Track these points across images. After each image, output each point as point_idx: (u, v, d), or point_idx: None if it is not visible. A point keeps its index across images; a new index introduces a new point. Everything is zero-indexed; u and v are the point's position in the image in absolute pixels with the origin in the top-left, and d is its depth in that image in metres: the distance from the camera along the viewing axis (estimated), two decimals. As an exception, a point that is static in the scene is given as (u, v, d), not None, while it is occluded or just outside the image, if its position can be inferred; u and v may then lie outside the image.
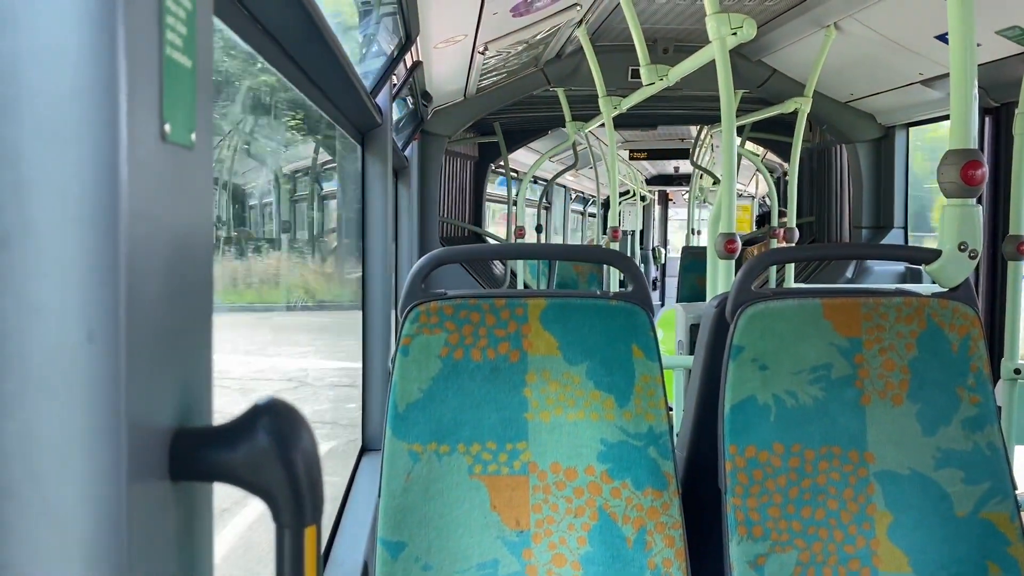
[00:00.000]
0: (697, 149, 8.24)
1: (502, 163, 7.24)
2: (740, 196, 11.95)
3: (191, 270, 0.57)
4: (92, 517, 0.46)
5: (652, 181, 13.85)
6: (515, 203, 6.98)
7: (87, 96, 0.46)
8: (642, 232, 11.12)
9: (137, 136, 0.48)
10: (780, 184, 7.34)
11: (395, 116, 3.44)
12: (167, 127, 0.52)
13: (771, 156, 7.46)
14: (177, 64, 0.54)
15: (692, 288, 6.83)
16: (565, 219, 12.75)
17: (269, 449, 0.55)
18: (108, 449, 0.47)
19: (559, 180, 9.77)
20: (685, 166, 11.50)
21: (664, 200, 16.18)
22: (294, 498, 0.55)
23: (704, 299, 3.90)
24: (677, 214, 16.71)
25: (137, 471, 0.49)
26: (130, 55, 0.47)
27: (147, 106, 0.50)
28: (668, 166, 12.57)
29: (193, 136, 0.57)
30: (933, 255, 1.70)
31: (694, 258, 6.91)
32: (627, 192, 12.64)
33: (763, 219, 9.88)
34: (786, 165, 6.05)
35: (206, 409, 0.60)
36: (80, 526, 0.46)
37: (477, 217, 7.28)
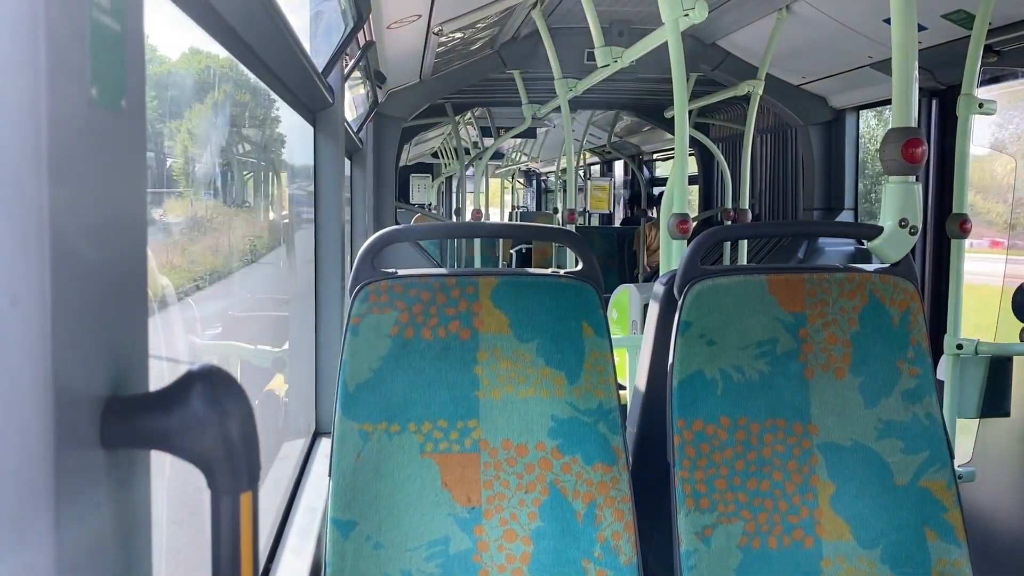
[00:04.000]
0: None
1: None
2: (601, 177, 12.14)
3: (124, 236, 0.57)
4: (16, 483, 0.46)
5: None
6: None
7: (6, 59, 0.45)
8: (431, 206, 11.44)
9: (61, 99, 0.47)
10: (718, 167, 7.40)
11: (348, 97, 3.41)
12: (94, 91, 0.51)
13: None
14: (104, 28, 0.53)
15: None
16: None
17: (204, 415, 0.54)
18: (34, 415, 0.46)
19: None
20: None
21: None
22: (230, 464, 0.55)
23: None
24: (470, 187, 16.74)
25: (66, 438, 0.48)
26: (51, 18, 0.47)
27: (72, 70, 0.49)
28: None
29: (123, 101, 0.56)
30: (875, 231, 1.74)
31: (585, 238, 6.96)
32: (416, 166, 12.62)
33: (634, 199, 10.40)
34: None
35: (142, 376, 0.60)
36: (4, 492, 0.46)
37: (402, 195, 7.34)
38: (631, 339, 3.12)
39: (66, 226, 0.48)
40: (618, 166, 12.02)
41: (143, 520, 0.60)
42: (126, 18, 0.56)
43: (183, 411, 0.54)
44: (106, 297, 0.54)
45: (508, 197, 17.81)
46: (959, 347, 2.83)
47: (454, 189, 14.65)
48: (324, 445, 2.55)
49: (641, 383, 1.91)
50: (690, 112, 6.33)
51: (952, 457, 1.70)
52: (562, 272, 1.68)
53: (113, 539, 0.55)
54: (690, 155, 7.49)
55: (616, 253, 8.28)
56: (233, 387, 0.56)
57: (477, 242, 7.52)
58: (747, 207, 5.01)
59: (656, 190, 9.54)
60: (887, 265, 1.75)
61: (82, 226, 0.50)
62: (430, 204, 11.42)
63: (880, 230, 1.73)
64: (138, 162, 0.59)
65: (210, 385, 0.55)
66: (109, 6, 0.53)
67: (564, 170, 11.20)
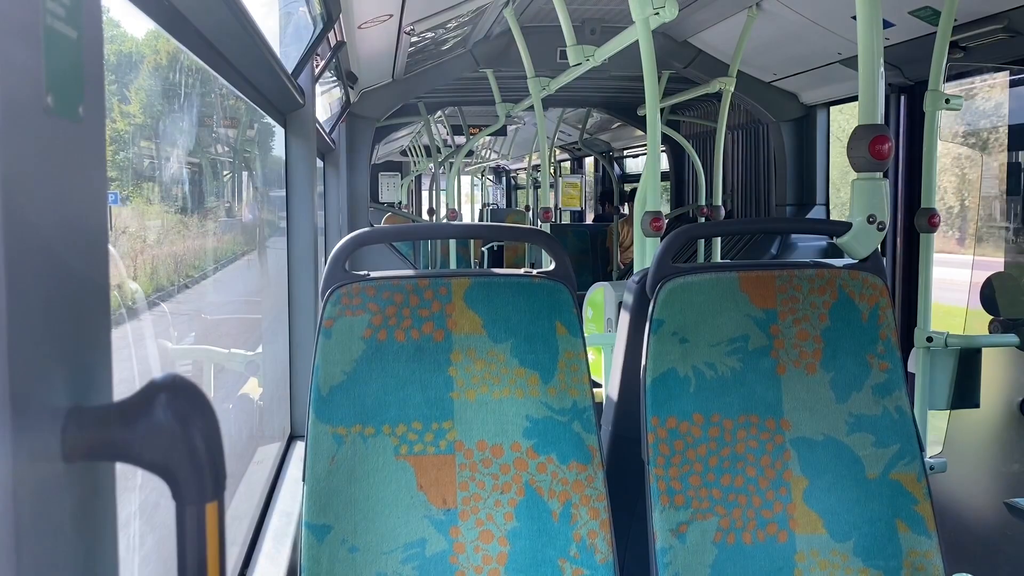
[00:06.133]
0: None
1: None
2: (572, 174, 12.21)
3: (83, 246, 0.56)
4: None
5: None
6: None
7: None
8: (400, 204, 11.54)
9: (13, 107, 0.47)
10: (689, 163, 7.43)
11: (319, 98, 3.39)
12: (49, 99, 0.51)
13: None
14: (60, 35, 0.52)
15: None
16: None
17: (168, 426, 0.54)
18: None
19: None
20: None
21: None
22: (195, 474, 0.55)
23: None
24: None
25: (25, 450, 0.48)
26: (4, 23, 0.46)
27: (26, 77, 0.48)
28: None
29: (81, 110, 0.55)
30: (844, 228, 1.75)
31: (559, 236, 7.03)
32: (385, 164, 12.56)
33: (605, 196, 10.50)
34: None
35: (105, 386, 0.59)
36: None
37: (371, 193, 7.38)
38: (606, 337, 3.13)
39: (21, 236, 0.47)
40: (588, 162, 12.05)
41: (109, 534, 0.59)
42: (83, 24, 0.55)
43: (146, 422, 0.54)
44: (66, 307, 0.53)
45: (478, 194, 17.88)
46: (929, 340, 2.86)
47: (424, 187, 14.64)
48: (299, 449, 2.54)
49: (615, 382, 1.92)
50: (662, 109, 6.37)
51: (922, 450, 1.72)
52: (535, 272, 1.68)
53: (77, 555, 0.54)
54: (661, 151, 7.53)
55: (589, 250, 8.35)
56: (197, 396, 0.56)
57: (452, 241, 7.55)
58: (720, 203, 5.04)
59: (628, 187, 9.61)
60: (856, 261, 1.77)
61: (39, 236, 0.50)
62: (400, 203, 11.42)
63: (849, 226, 1.75)
64: (98, 170, 0.59)
65: (173, 395, 0.55)
66: (64, 12, 0.53)
67: (536, 167, 11.21)
